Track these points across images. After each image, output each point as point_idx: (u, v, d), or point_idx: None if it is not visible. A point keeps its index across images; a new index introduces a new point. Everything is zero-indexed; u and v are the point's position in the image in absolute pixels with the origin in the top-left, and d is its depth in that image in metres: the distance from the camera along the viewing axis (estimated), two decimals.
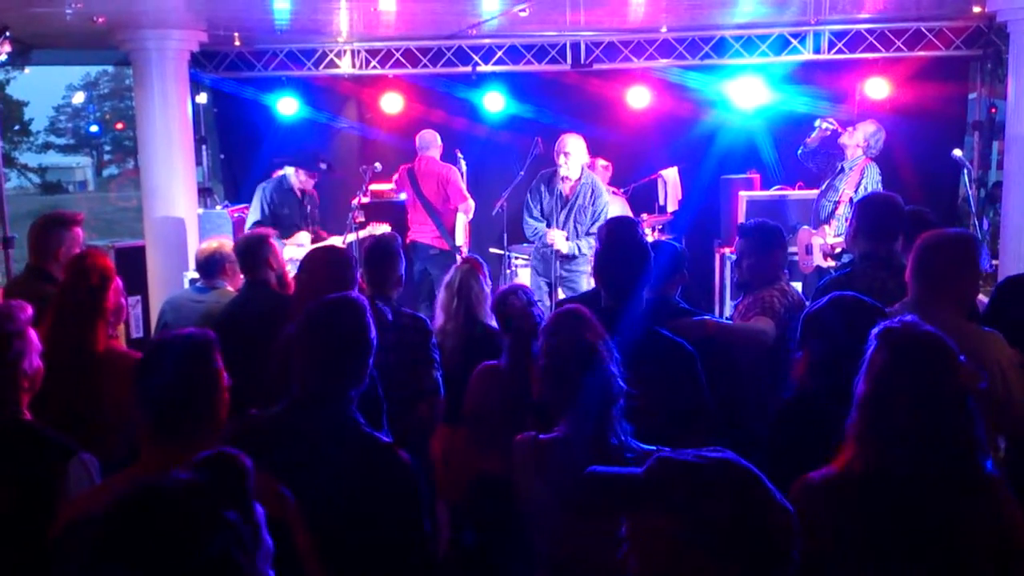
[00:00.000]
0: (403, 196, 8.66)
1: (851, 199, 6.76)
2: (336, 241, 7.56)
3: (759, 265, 4.38)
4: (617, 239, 3.60)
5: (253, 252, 4.67)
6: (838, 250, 6.80)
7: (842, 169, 7.09)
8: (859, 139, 7.07)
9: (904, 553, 2.14)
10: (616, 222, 3.87)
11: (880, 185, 6.90)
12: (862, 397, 2.28)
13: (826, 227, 7.00)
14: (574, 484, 2.58)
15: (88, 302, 3.49)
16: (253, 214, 7.69)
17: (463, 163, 8.66)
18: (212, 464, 1.61)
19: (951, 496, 2.16)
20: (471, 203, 8.23)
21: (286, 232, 7.46)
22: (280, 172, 7.84)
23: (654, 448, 2.66)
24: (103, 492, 2.28)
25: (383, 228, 7.85)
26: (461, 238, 8.28)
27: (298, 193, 7.70)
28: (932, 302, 3.31)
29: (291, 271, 4.89)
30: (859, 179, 6.92)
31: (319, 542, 2.43)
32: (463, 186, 8.29)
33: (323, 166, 7.78)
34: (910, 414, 2.19)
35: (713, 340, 3.80)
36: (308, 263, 4.08)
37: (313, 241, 7.55)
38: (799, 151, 7.49)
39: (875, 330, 2.34)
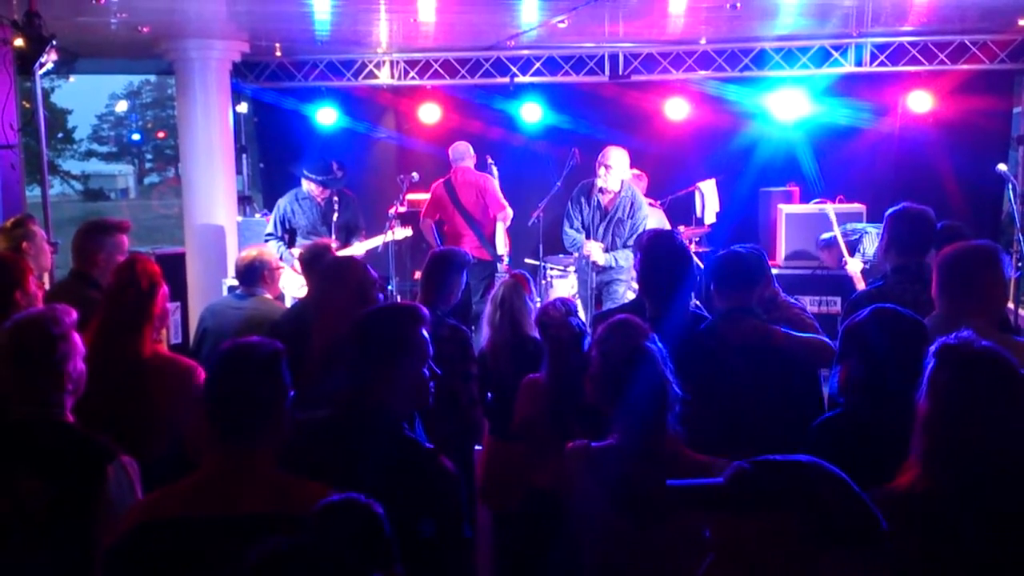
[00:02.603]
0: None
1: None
2: (363, 247, 7.54)
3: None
4: (658, 250, 3.60)
5: (319, 260, 4.79)
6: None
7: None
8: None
9: (974, 574, 2.09)
10: (656, 233, 3.87)
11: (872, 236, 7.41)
12: (927, 417, 2.23)
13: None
14: (631, 493, 2.58)
15: (137, 307, 3.52)
16: (268, 228, 7.65)
17: (495, 170, 8.63)
18: (346, 517, 1.60)
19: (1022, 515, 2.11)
20: (509, 211, 8.23)
21: (305, 242, 7.42)
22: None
23: (707, 458, 2.65)
24: (165, 498, 2.29)
25: (405, 232, 7.80)
26: (502, 247, 8.25)
27: (319, 201, 7.52)
28: (961, 315, 3.25)
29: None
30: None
31: None
32: (500, 194, 8.29)
33: (337, 170, 7.63)
34: (980, 432, 2.14)
35: (779, 350, 3.71)
36: (319, 279, 4.06)
37: (338, 248, 7.49)
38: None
39: (933, 348, 2.29)
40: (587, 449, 2.74)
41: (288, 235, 7.56)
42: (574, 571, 2.74)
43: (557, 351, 3.73)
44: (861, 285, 7.05)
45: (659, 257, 3.58)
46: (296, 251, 6.88)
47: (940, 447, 2.19)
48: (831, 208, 7.75)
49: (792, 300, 4.40)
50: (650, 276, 3.61)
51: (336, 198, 7.54)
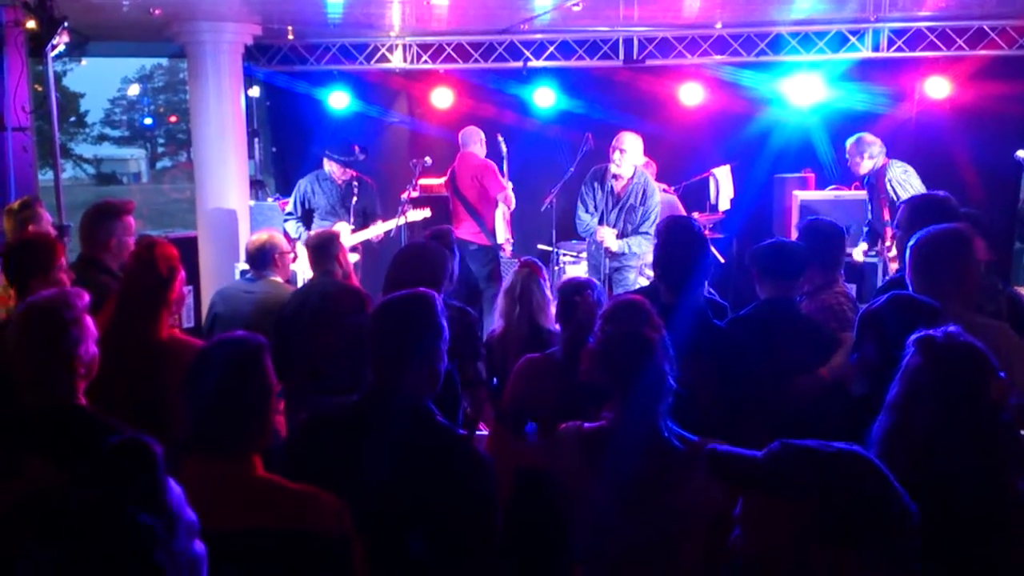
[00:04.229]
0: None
1: (886, 201, 6.96)
2: (379, 229, 7.58)
3: (819, 266, 4.29)
4: (675, 236, 3.58)
5: (325, 248, 4.89)
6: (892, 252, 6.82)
7: (870, 184, 7.20)
8: (860, 160, 7.21)
9: (926, 567, 2.06)
10: (674, 220, 3.86)
11: (910, 174, 7.01)
12: (891, 402, 2.25)
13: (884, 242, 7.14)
14: (622, 476, 2.57)
15: (155, 291, 3.53)
16: (288, 208, 7.78)
17: (503, 147, 8.49)
18: (120, 456, 1.58)
19: (976, 512, 2.10)
20: (509, 193, 8.14)
21: (323, 223, 7.49)
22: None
23: (699, 440, 2.65)
24: None
25: (423, 213, 7.80)
26: (503, 235, 8.19)
27: (339, 183, 7.63)
28: (934, 298, 3.23)
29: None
30: (883, 181, 7.03)
31: (393, 531, 2.44)
32: (499, 177, 8.21)
33: (359, 153, 7.67)
34: (935, 423, 2.15)
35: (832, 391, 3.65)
36: (397, 258, 4.16)
37: (354, 231, 7.55)
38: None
39: (913, 337, 2.30)
40: (579, 431, 2.74)
41: (306, 216, 7.60)
42: (566, 552, 2.73)
43: (577, 335, 3.68)
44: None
45: (676, 243, 3.56)
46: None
47: (899, 435, 2.19)
48: None
49: (847, 288, 4.39)
50: (666, 262, 3.59)
51: (356, 183, 7.62)
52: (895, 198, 6.85)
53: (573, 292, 3.88)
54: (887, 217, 6.95)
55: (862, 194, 7.83)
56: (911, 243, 3.50)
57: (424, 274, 3.85)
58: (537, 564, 3.38)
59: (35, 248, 4.03)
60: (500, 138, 8.58)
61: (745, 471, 1.62)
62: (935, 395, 2.17)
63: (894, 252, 6.78)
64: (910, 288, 3.44)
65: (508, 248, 8.22)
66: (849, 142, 7.30)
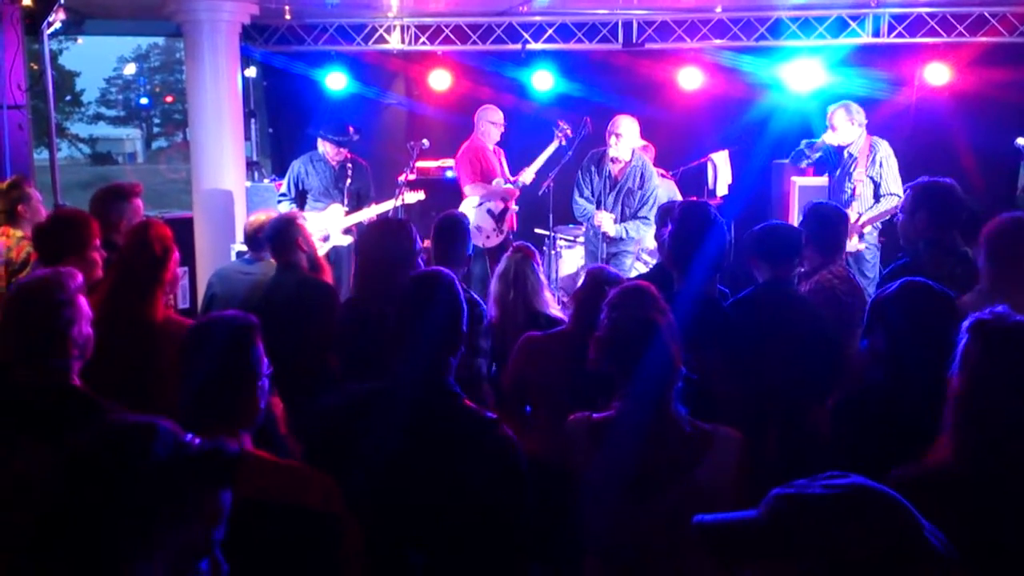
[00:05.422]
0: (450, 174, 8.58)
1: (869, 177, 6.85)
2: (372, 211, 7.53)
3: (818, 248, 4.30)
4: (693, 221, 3.55)
5: (282, 235, 4.62)
6: (867, 229, 6.84)
7: (850, 155, 6.99)
8: (848, 126, 6.94)
9: (1005, 555, 2.05)
10: (690, 204, 3.84)
11: (892, 154, 6.88)
12: (957, 392, 2.20)
13: (848, 211, 6.90)
14: (632, 466, 2.54)
15: (149, 272, 3.52)
16: (282, 189, 7.76)
17: (559, 140, 8.03)
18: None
19: None
20: (472, 189, 7.93)
21: (316, 204, 7.46)
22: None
23: (711, 427, 2.63)
24: None
25: (418, 196, 7.74)
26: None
27: (333, 164, 7.60)
28: (1007, 287, 3.22)
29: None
30: (868, 154, 6.89)
31: (424, 516, 2.44)
32: (469, 168, 8.01)
33: (353, 133, 7.59)
34: (1007, 408, 2.11)
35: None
36: (363, 237, 4.07)
37: (348, 213, 7.51)
38: (803, 163, 7.38)
39: (966, 323, 2.26)
40: (588, 421, 2.73)
41: (300, 197, 7.57)
42: (578, 545, 2.72)
43: (590, 319, 3.65)
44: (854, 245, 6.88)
45: (693, 229, 3.52)
46: (308, 214, 6.88)
47: (971, 423, 2.16)
48: None
49: (847, 270, 4.43)
50: (681, 248, 3.55)
51: (350, 165, 7.58)
52: (879, 178, 6.82)
53: (604, 281, 3.69)
54: (858, 193, 6.87)
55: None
56: (986, 231, 3.46)
57: (390, 249, 3.80)
58: (543, 554, 3.37)
59: (70, 226, 3.91)
60: (563, 124, 8.02)
61: (742, 540, 1.45)
62: (999, 378, 2.14)
63: (870, 233, 6.79)
64: (982, 276, 3.41)
65: (483, 241, 7.99)
66: (834, 107, 7.04)
